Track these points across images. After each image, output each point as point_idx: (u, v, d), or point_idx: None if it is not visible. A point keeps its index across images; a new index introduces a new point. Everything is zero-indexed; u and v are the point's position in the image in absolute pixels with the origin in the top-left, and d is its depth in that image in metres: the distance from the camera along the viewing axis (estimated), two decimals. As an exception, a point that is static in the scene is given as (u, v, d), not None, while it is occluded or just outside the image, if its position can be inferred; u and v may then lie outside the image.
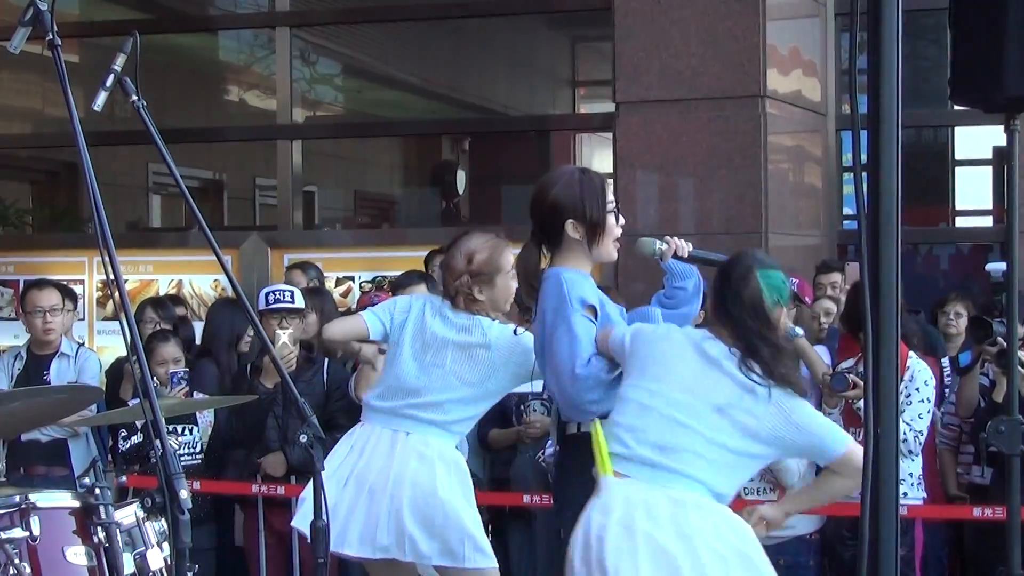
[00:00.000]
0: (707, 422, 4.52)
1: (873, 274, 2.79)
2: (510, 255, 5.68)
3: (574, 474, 5.05)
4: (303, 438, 3.84)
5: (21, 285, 9.26)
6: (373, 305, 7.02)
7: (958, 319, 8.00)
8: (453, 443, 5.67)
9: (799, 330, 7.17)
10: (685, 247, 5.21)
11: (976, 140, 11.57)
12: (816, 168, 9.98)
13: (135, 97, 3.47)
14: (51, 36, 3.16)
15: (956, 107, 9.20)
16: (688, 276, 5.24)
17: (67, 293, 8.45)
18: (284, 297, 7.35)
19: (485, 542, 5.55)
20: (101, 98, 3.51)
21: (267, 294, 7.41)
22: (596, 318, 4.94)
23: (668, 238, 5.27)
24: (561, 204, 5.05)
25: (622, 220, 5.18)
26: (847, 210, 10.62)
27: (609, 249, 5.13)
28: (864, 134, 2.86)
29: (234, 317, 7.83)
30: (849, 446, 4.57)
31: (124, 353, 7.63)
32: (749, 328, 4.56)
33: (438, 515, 5.45)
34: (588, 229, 5.05)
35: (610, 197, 5.13)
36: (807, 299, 7.59)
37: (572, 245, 5.08)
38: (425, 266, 8.40)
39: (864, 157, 2.86)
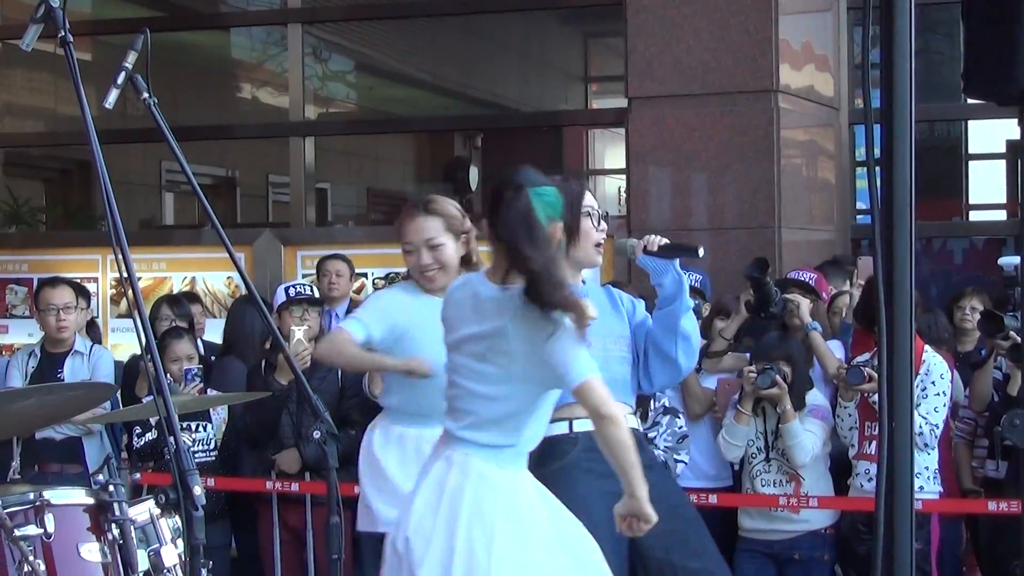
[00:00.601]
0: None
1: (887, 268, 2.78)
2: (413, 224, 5.42)
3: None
4: (316, 435, 3.85)
5: (35, 283, 9.26)
6: None
7: (973, 314, 7.98)
8: None
9: (817, 324, 7.16)
10: (656, 241, 5.24)
11: (990, 134, 11.57)
12: (829, 163, 9.96)
13: (146, 94, 3.48)
14: (63, 33, 3.16)
15: (969, 101, 9.18)
16: (663, 272, 5.25)
17: (81, 291, 8.46)
18: (304, 290, 7.38)
19: None
20: (113, 95, 3.52)
21: (287, 288, 7.44)
22: None
23: (645, 236, 5.31)
24: None
25: (604, 225, 5.23)
26: (860, 204, 10.62)
27: (588, 253, 5.20)
28: (877, 128, 2.85)
29: (256, 314, 7.85)
30: (587, 378, 4.29)
31: (138, 351, 7.65)
32: (521, 245, 4.36)
33: None
34: (565, 235, 5.11)
35: (588, 202, 5.19)
36: (824, 294, 7.57)
37: None
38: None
39: (877, 151, 2.85)
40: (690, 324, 5.35)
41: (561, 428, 5.09)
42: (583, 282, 5.31)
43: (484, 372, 4.39)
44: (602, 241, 5.23)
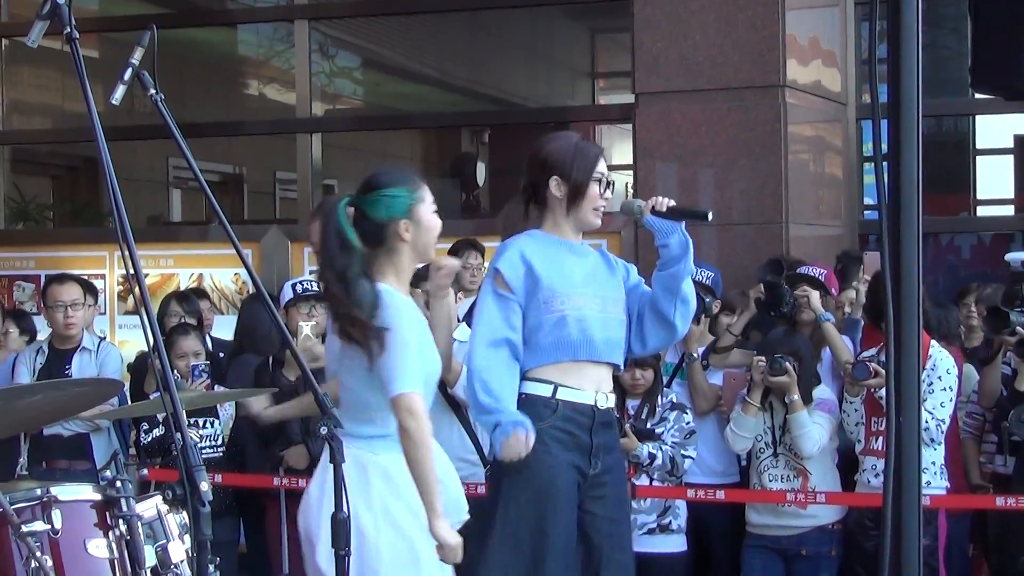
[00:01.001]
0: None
1: (894, 263, 2.77)
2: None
3: None
4: (323, 430, 3.85)
5: (42, 280, 9.27)
6: None
7: (979, 306, 7.96)
8: None
9: (830, 315, 7.15)
10: (664, 202, 5.22)
11: (997, 129, 11.53)
12: (837, 158, 9.95)
13: (153, 91, 3.47)
14: (69, 30, 3.16)
15: (977, 96, 9.16)
16: (670, 232, 5.23)
17: (88, 287, 8.47)
18: (312, 287, 7.37)
19: None
20: (119, 92, 3.51)
21: (293, 284, 7.43)
22: (507, 287, 5.11)
23: (653, 197, 5.30)
24: (550, 161, 5.21)
25: (609, 194, 5.26)
26: (868, 200, 10.59)
27: (588, 216, 5.24)
28: (885, 123, 2.85)
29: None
30: (406, 392, 4.57)
31: (145, 347, 7.65)
32: (329, 284, 4.69)
33: None
34: (570, 190, 5.14)
35: (601, 168, 5.23)
36: (833, 290, 7.56)
37: (554, 205, 5.21)
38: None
39: (885, 147, 2.85)
40: (690, 288, 5.35)
41: (544, 390, 5.15)
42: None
43: (349, 366, 4.74)
44: (603, 206, 5.26)
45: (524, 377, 5.18)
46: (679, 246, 5.23)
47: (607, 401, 5.28)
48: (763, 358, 6.79)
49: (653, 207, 5.22)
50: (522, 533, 5.08)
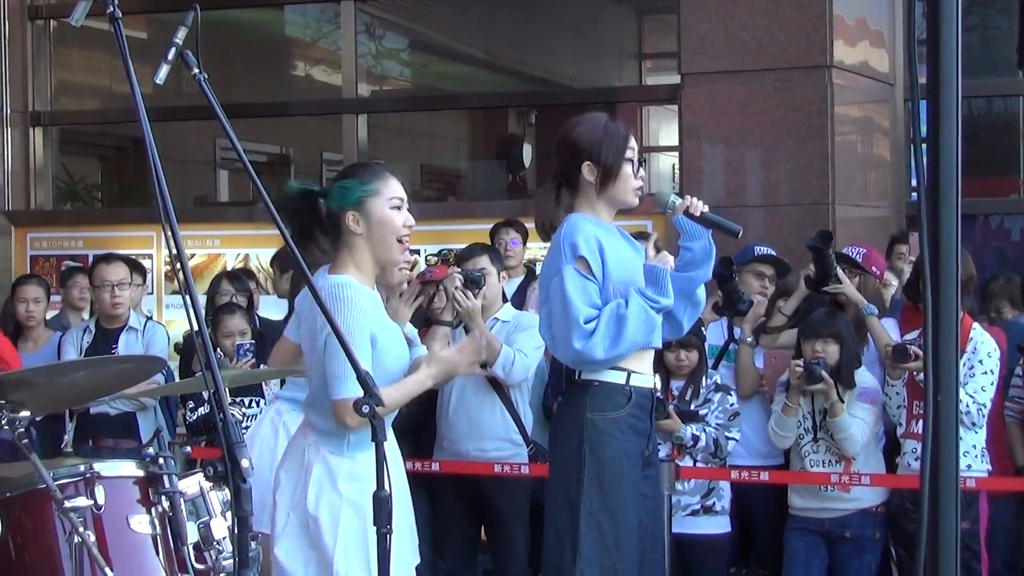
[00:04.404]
0: None
1: (933, 244, 2.76)
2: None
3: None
4: (365, 409, 3.86)
5: (90, 260, 9.33)
6: (426, 282, 7.07)
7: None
8: None
9: (874, 308, 7.11)
10: (699, 206, 5.19)
11: (1047, 109, 11.44)
12: (884, 139, 9.90)
13: (196, 70, 3.49)
14: (112, 9, 3.17)
15: (1026, 76, 9.12)
16: (697, 237, 5.21)
17: (136, 267, 8.53)
18: None
19: None
20: (163, 71, 3.53)
21: None
22: (591, 270, 5.03)
23: (688, 196, 5.26)
24: (580, 145, 5.17)
25: (642, 172, 5.25)
26: (915, 181, 10.53)
27: (626, 196, 5.21)
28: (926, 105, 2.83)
29: None
30: (340, 397, 4.47)
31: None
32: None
33: None
34: (602, 172, 5.12)
35: (632, 146, 5.20)
36: (874, 269, 7.53)
37: (587, 189, 5.19)
38: (491, 239, 8.41)
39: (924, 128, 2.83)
40: (702, 292, 5.35)
41: (618, 377, 5.11)
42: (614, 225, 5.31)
43: (310, 360, 4.73)
44: (640, 186, 5.23)
45: None
46: (702, 252, 5.22)
47: (658, 382, 5.34)
48: (800, 363, 6.75)
49: (687, 208, 5.19)
50: (603, 520, 5.06)
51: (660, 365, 5.55)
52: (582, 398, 5.10)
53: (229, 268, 9.60)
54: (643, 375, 5.16)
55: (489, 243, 8.10)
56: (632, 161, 5.18)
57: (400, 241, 4.78)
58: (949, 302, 2.71)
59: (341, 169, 4.96)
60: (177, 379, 7.70)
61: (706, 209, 5.21)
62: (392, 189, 4.76)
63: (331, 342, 4.41)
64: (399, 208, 4.76)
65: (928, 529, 2.73)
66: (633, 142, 5.23)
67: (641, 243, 5.76)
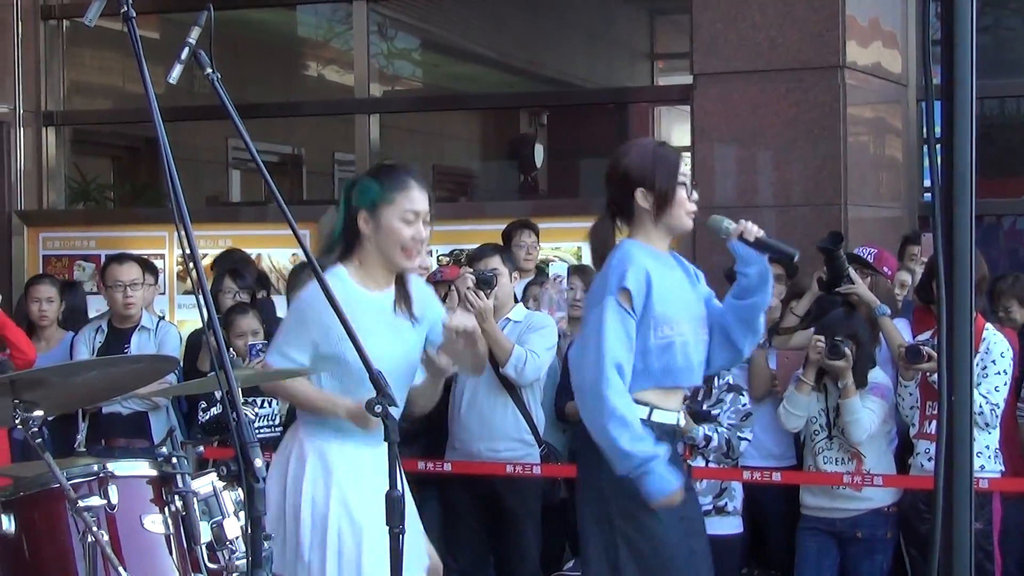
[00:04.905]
0: None
1: (947, 245, 2.76)
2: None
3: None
4: (378, 409, 3.86)
5: (103, 260, 9.34)
6: (437, 282, 7.07)
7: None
8: None
9: (886, 308, 7.10)
10: (753, 231, 5.10)
11: (1061, 110, 11.41)
12: (897, 140, 9.89)
13: (209, 70, 3.49)
14: (126, 8, 3.18)
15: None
16: (752, 263, 5.12)
17: (148, 267, 8.53)
18: None
19: None
20: (176, 71, 3.53)
21: None
22: (631, 303, 4.97)
23: (742, 220, 5.18)
24: (632, 173, 5.11)
25: (695, 195, 5.18)
26: (928, 181, 10.51)
27: (681, 219, 5.13)
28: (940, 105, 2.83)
29: None
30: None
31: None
32: None
33: None
34: (657, 199, 5.07)
35: (684, 170, 5.16)
36: (885, 269, 7.52)
37: (643, 216, 5.12)
38: (504, 239, 8.41)
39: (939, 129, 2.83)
40: (762, 321, 5.28)
41: (640, 412, 5.03)
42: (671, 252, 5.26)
43: None
44: (694, 209, 5.16)
45: None
46: (758, 277, 5.12)
47: (684, 420, 5.28)
48: (822, 338, 6.75)
49: (741, 233, 5.12)
50: (644, 551, 5.02)
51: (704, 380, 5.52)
52: None
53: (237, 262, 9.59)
54: (667, 411, 5.10)
55: (501, 243, 8.10)
56: (685, 184, 5.12)
57: (405, 250, 4.79)
58: (963, 303, 2.71)
59: (375, 165, 4.98)
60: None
61: (761, 233, 5.12)
62: (410, 202, 4.79)
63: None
64: (410, 223, 4.79)
65: (942, 529, 2.73)
66: (685, 167, 5.17)
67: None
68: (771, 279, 5.19)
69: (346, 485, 4.79)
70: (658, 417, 5.06)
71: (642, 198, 5.08)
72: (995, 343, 6.64)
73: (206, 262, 9.29)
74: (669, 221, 5.11)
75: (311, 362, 4.85)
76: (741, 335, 5.21)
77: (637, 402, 5.02)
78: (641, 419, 5.00)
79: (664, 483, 4.92)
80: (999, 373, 6.60)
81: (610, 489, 5.01)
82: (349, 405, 4.73)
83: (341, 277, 4.79)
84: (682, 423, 5.23)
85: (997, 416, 6.61)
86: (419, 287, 5.05)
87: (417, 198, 4.80)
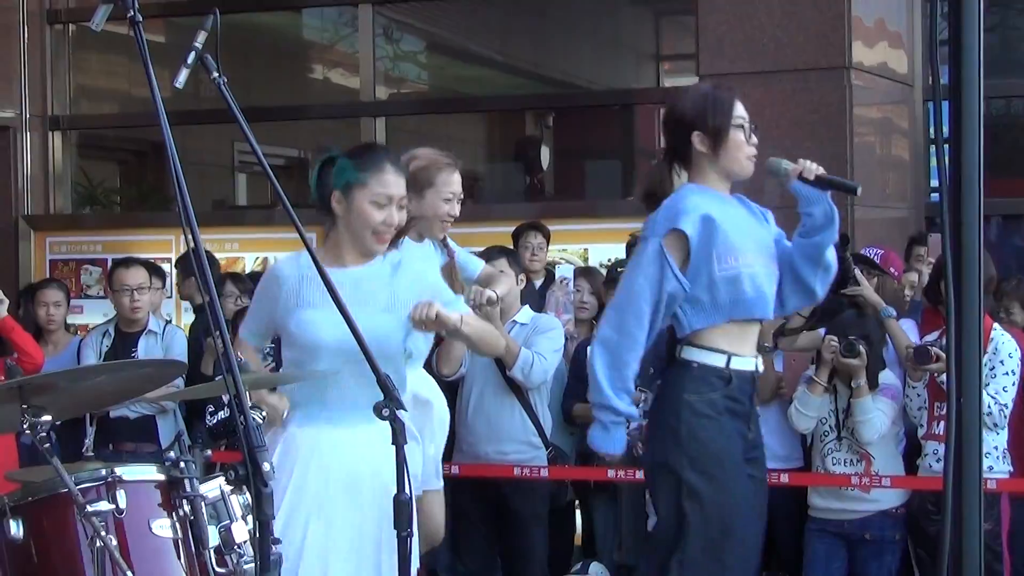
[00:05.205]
0: None
1: (955, 245, 2.75)
2: (451, 177, 5.58)
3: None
4: (385, 412, 3.86)
5: (109, 264, 9.35)
6: None
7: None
8: None
9: (892, 310, 7.10)
10: (812, 169, 5.04)
11: (1068, 110, 11.41)
12: (903, 140, 9.88)
13: (216, 73, 3.49)
14: (132, 13, 3.18)
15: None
16: (815, 202, 5.06)
17: (155, 271, 8.54)
18: None
19: None
20: (183, 75, 3.54)
21: None
22: (681, 247, 4.95)
23: (800, 160, 5.12)
24: (686, 117, 5.07)
25: (755, 138, 5.12)
26: (935, 182, 10.51)
27: (740, 163, 5.08)
28: (947, 105, 2.82)
29: None
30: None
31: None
32: None
33: None
34: (713, 141, 5.02)
35: (740, 112, 5.08)
36: (892, 270, 7.51)
37: (700, 160, 5.07)
38: (514, 241, 8.41)
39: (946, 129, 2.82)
40: (833, 255, 5.21)
41: (717, 360, 5.03)
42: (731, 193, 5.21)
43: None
44: (753, 154, 5.11)
45: (691, 342, 5.05)
46: (823, 216, 5.06)
47: (761, 364, 5.22)
48: (835, 338, 6.74)
49: (801, 173, 5.06)
50: (707, 502, 5.00)
51: None
52: (681, 378, 5.02)
53: (247, 272, 9.61)
54: (744, 358, 5.06)
55: (507, 245, 8.10)
56: (743, 128, 5.07)
57: (376, 233, 4.78)
58: (971, 303, 2.71)
59: (353, 146, 4.93)
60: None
61: (820, 171, 5.06)
62: (383, 185, 4.75)
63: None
64: (382, 206, 4.75)
65: (951, 530, 2.73)
66: (741, 108, 5.09)
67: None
68: (836, 216, 5.09)
69: (304, 466, 4.75)
70: (737, 364, 5.03)
71: (699, 142, 5.04)
72: (1003, 343, 6.63)
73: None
74: (726, 165, 5.06)
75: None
76: (811, 272, 5.16)
77: (709, 348, 5.01)
78: (720, 367, 5.00)
79: (610, 442, 5.03)
80: (1007, 373, 6.59)
81: (676, 444, 4.98)
82: (270, 399, 4.80)
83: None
84: (760, 369, 5.17)
85: (1006, 417, 6.60)
86: (418, 275, 4.99)
87: (391, 182, 4.77)
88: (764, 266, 5.09)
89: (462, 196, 5.73)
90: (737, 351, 5.05)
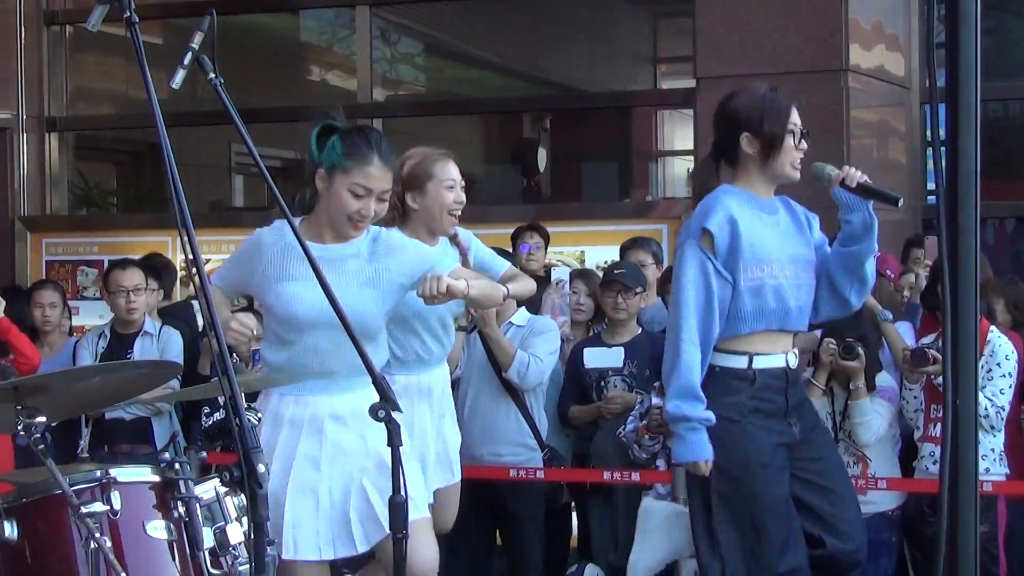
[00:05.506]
0: None
1: (951, 248, 2.75)
2: (448, 165, 5.60)
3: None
4: (381, 414, 3.86)
5: (105, 265, 9.33)
6: None
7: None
8: None
9: (888, 314, 7.09)
10: (856, 176, 5.03)
11: (1065, 112, 11.42)
12: (900, 143, 9.88)
13: (212, 75, 3.49)
14: (128, 14, 3.17)
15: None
16: (855, 209, 5.05)
17: (151, 272, 8.52)
18: None
19: None
20: (179, 76, 3.54)
21: None
22: (712, 246, 4.94)
23: (845, 167, 5.11)
24: (739, 116, 5.06)
25: (804, 145, 5.10)
26: (931, 184, 10.50)
27: (786, 169, 5.07)
28: (943, 108, 2.82)
29: None
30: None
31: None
32: None
33: None
34: (763, 145, 5.00)
35: (795, 119, 5.07)
36: (888, 272, 7.50)
37: (747, 161, 5.06)
38: (512, 243, 8.41)
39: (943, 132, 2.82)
40: (871, 267, 5.21)
41: (739, 362, 5.03)
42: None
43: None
44: (800, 159, 5.10)
45: (715, 348, 5.03)
46: (862, 225, 5.06)
47: (796, 360, 5.20)
48: (834, 340, 6.74)
49: (843, 179, 5.04)
50: (737, 506, 5.02)
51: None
52: (703, 385, 5.00)
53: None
54: (769, 355, 5.05)
55: (504, 247, 8.09)
56: (794, 133, 5.05)
57: (351, 220, 4.77)
58: (968, 305, 2.71)
59: (351, 125, 4.91)
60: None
61: (864, 179, 5.05)
62: (364, 177, 4.77)
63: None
64: (359, 196, 4.77)
65: (947, 533, 2.72)
66: (795, 115, 5.09)
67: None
68: (875, 226, 5.08)
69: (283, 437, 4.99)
70: (760, 363, 5.03)
71: (747, 143, 5.04)
72: (1000, 346, 6.63)
73: (208, 268, 9.28)
74: (774, 169, 5.06)
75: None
76: (847, 283, 5.16)
77: (731, 352, 5.01)
78: (742, 369, 5.00)
79: (691, 450, 4.96)
80: (1004, 376, 6.59)
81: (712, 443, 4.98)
82: (226, 316, 4.89)
83: (263, 233, 4.90)
84: (792, 364, 5.14)
85: (1002, 419, 6.60)
86: (397, 247, 4.98)
87: (373, 175, 4.78)
88: (792, 277, 5.07)
89: (464, 184, 5.72)
90: (760, 351, 5.05)
